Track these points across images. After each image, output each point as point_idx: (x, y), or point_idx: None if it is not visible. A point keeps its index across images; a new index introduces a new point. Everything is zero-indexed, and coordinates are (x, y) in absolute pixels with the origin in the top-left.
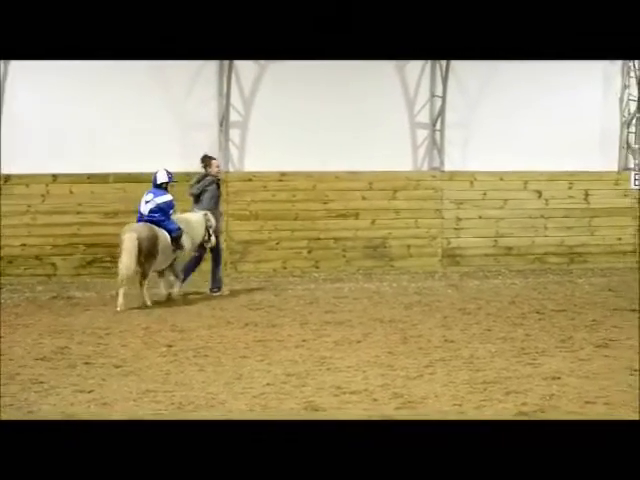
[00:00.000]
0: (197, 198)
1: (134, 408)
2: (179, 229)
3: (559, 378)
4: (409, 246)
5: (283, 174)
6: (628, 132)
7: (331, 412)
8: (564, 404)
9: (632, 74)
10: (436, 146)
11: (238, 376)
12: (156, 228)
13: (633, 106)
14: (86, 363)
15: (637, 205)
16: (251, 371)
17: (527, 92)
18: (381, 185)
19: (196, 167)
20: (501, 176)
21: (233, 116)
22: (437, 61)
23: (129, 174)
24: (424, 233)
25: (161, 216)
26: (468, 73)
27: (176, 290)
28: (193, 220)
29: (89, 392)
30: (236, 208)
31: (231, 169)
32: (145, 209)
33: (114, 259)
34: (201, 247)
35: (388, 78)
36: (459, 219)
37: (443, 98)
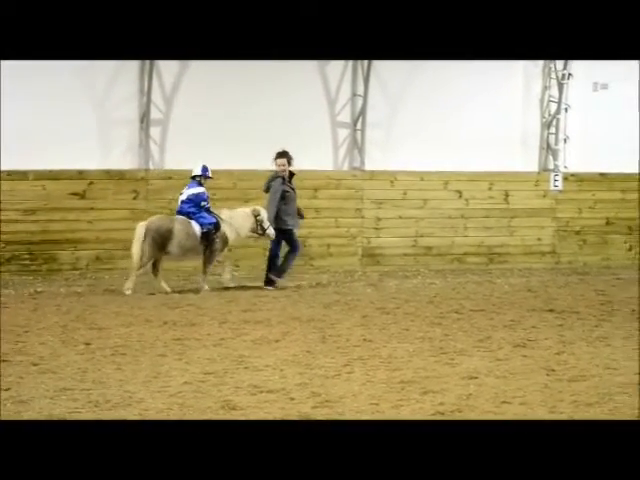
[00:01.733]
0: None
1: (51, 406)
2: (212, 224)
3: (477, 378)
4: (329, 245)
5: None
6: (548, 133)
7: (248, 411)
8: (481, 404)
9: (553, 75)
10: (357, 146)
11: (156, 374)
12: (178, 220)
13: (553, 107)
14: (3, 361)
15: (556, 206)
16: (169, 370)
17: (448, 92)
18: (302, 184)
19: (115, 164)
20: (421, 176)
21: (154, 113)
22: (359, 60)
23: (49, 171)
24: (344, 232)
25: (191, 207)
26: (390, 73)
27: (202, 283)
28: (238, 214)
29: (6, 390)
30: (157, 206)
31: (152, 167)
32: (179, 200)
33: (33, 256)
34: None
35: (309, 77)
36: (379, 219)
37: (364, 98)
